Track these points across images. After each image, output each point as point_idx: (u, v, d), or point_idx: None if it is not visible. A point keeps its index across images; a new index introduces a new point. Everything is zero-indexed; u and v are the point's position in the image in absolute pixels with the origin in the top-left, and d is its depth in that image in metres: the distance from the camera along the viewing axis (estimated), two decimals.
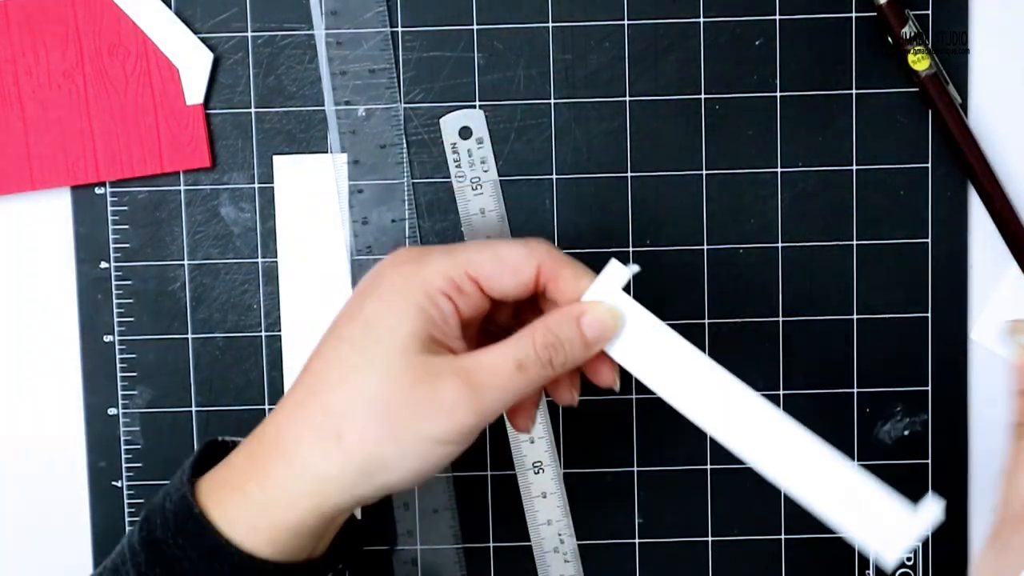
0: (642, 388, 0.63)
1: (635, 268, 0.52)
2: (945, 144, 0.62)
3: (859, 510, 0.50)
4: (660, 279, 0.63)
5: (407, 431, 0.49)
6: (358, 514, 0.63)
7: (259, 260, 0.63)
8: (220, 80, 0.63)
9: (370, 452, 0.49)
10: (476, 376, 0.49)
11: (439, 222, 0.63)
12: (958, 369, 0.64)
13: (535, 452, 0.63)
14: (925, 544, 0.64)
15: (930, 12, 0.62)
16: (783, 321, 0.63)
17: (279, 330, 0.63)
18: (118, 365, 0.63)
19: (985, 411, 0.64)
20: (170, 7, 0.62)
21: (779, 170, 0.63)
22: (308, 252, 0.63)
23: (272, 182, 0.63)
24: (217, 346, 0.63)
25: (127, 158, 0.62)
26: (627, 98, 0.63)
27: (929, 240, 0.63)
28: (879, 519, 0.50)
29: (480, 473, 0.64)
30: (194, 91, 0.62)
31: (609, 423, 0.64)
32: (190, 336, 0.63)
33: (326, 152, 0.63)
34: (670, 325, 0.63)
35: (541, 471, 0.63)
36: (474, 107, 0.63)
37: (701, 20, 0.63)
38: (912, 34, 0.61)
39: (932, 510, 0.49)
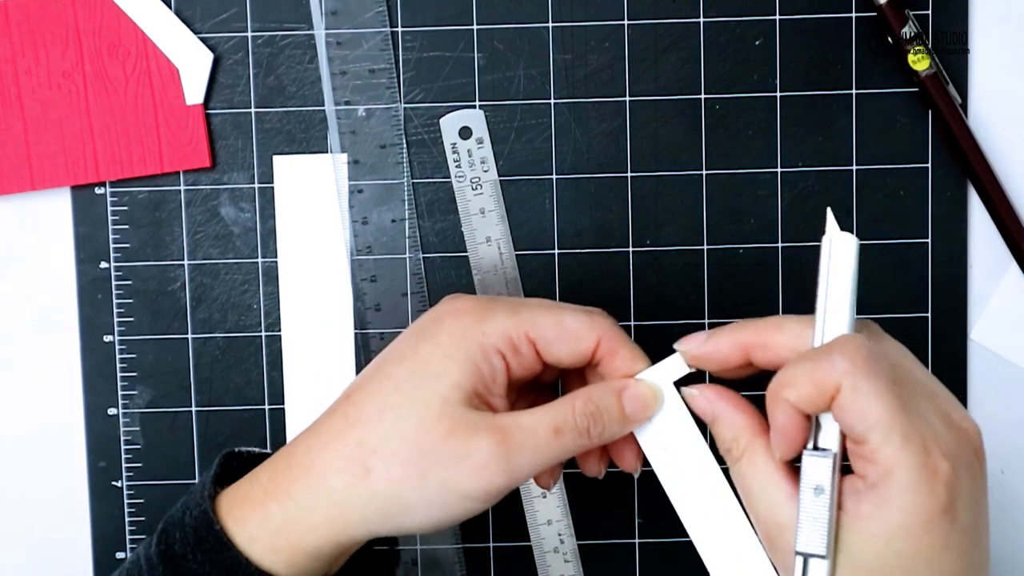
0: None
1: (688, 370, 0.51)
2: (945, 144, 0.62)
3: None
4: (660, 279, 0.63)
5: (434, 479, 0.49)
6: None
7: (259, 260, 0.63)
8: (220, 80, 0.63)
9: (394, 492, 0.49)
10: (512, 436, 0.49)
11: (439, 222, 0.63)
12: (958, 368, 0.64)
13: None
14: None
15: (930, 12, 0.62)
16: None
17: (279, 330, 0.63)
18: (118, 365, 0.63)
19: (985, 411, 0.64)
20: (170, 7, 0.62)
21: (779, 170, 0.63)
22: (308, 252, 0.63)
23: (272, 182, 0.63)
24: (217, 346, 0.63)
25: (127, 158, 0.62)
26: (627, 98, 0.63)
27: (929, 240, 0.63)
28: None
29: None
30: (194, 91, 0.62)
31: None
32: (190, 336, 0.63)
33: (326, 152, 0.63)
34: (670, 325, 0.63)
35: None
36: (474, 107, 0.63)
37: (701, 20, 0.63)
38: (912, 34, 0.61)
39: None
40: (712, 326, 0.63)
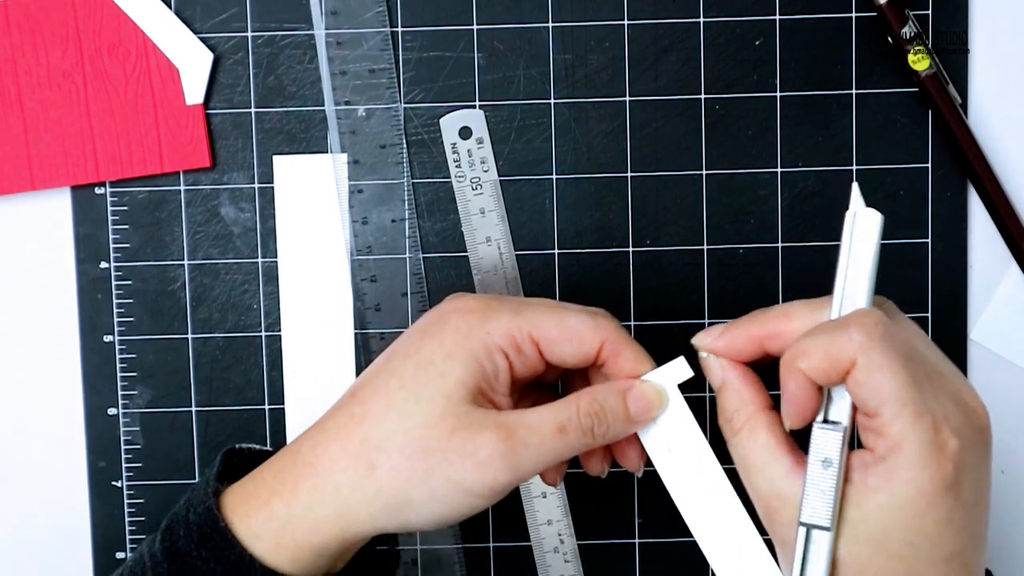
0: None
1: (691, 374, 0.52)
2: (945, 144, 0.62)
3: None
4: (660, 279, 0.63)
5: (438, 476, 0.49)
6: None
7: (259, 260, 0.63)
8: (220, 80, 0.63)
9: (399, 489, 0.49)
10: (516, 433, 0.49)
11: (439, 222, 0.63)
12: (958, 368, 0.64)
13: None
14: None
15: (930, 12, 0.62)
16: None
17: (279, 330, 0.63)
18: (118, 365, 0.63)
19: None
20: (170, 7, 0.62)
21: (779, 170, 0.63)
22: (308, 252, 0.63)
23: (272, 182, 0.63)
24: (217, 346, 0.63)
25: (127, 158, 0.62)
26: (627, 98, 0.63)
27: (929, 240, 0.63)
28: None
29: None
30: (194, 91, 0.62)
31: None
32: (190, 336, 0.63)
33: (326, 152, 0.63)
34: (670, 325, 0.63)
35: None
36: (474, 107, 0.63)
37: (701, 20, 0.63)
38: (912, 34, 0.61)
39: None
40: (712, 326, 0.63)
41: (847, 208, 0.48)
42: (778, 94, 0.63)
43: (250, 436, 0.64)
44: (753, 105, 0.63)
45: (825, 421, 0.47)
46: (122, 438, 0.64)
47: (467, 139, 0.62)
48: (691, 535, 0.65)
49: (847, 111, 0.63)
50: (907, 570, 0.46)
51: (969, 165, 0.62)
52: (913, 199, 0.63)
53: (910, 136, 0.63)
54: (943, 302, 0.63)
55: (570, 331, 0.51)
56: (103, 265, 0.63)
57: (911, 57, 0.61)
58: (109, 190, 0.63)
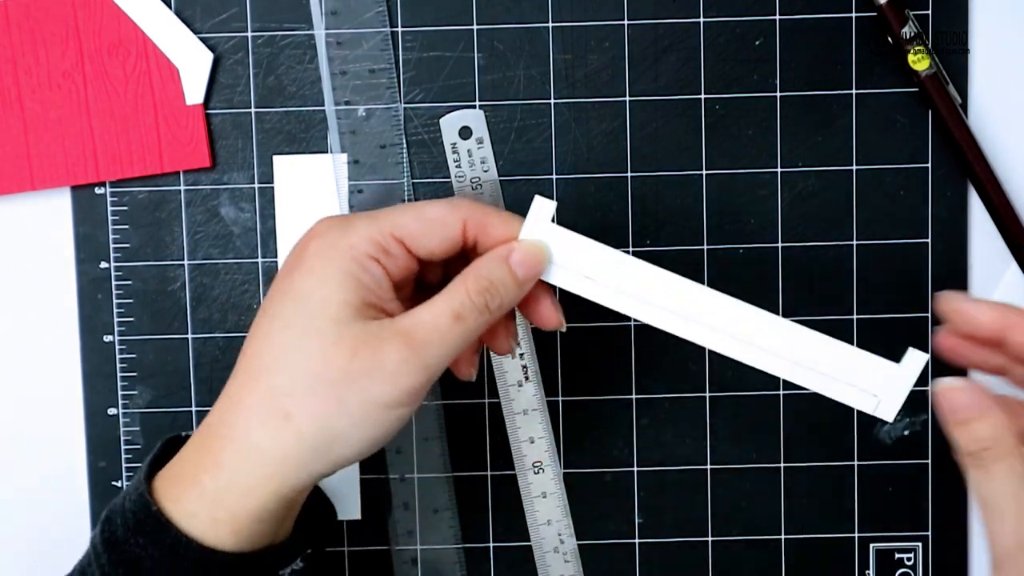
0: (643, 388, 0.63)
1: (554, 203, 0.52)
2: (945, 144, 0.62)
3: (846, 378, 0.51)
4: None
5: (354, 400, 0.49)
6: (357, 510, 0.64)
7: (259, 260, 0.63)
8: (220, 80, 0.63)
9: (320, 427, 0.49)
10: (416, 334, 0.49)
11: None
12: (958, 369, 0.63)
13: (535, 452, 0.63)
14: (925, 545, 0.64)
15: (930, 12, 0.62)
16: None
17: None
18: (118, 365, 0.63)
19: None
20: (170, 7, 0.62)
21: (779, 170, 0.63)
22: None
23: (272, 182, 0.63)
24: (217, 346, 0.63)
25: (127, 158, 0.62)
26: (627, 98, 0.63)
27: (929, 240, 0.63)
28: (869, 381, 0.51)
29: (480, 473, 0.64)
30: (194, 91, 0.62)
31: (609, 422, 0.64)
32: (190, 336, 0.63)
33: (326, 152, 0.63)
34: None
35: (541, 471, 0.63)
36: (474, 107, 0.63)
37: (701, 20, 0.63)
38: (912, 34, 0.61)
39: (917, 359, 0.50)
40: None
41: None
42: (778, 94, 0.63)
43: None
44: (753, 105, 0.63)
45: None
46: (122, 438, 0.64)
47: (467, 139, 0.62)
48: (691, 534, 0.65)
49: (847, 111, 0.63)
50: None
51: (969, 165, 0.62)
52: (913, 199, 0.63)
53: (910, 136, 0.63)
54: None
55: (429, 220, 0.51)
56: (103, 265, 0.63)
57: (911, 57, 0.61)
58: (109, 190, 0.63)
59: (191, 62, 0.62)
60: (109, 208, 0.63)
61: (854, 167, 0.63)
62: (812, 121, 0.63)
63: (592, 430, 0.64)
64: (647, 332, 0.63)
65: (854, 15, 0.62)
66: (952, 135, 0.62)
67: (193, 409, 0.63)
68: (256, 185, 0.63)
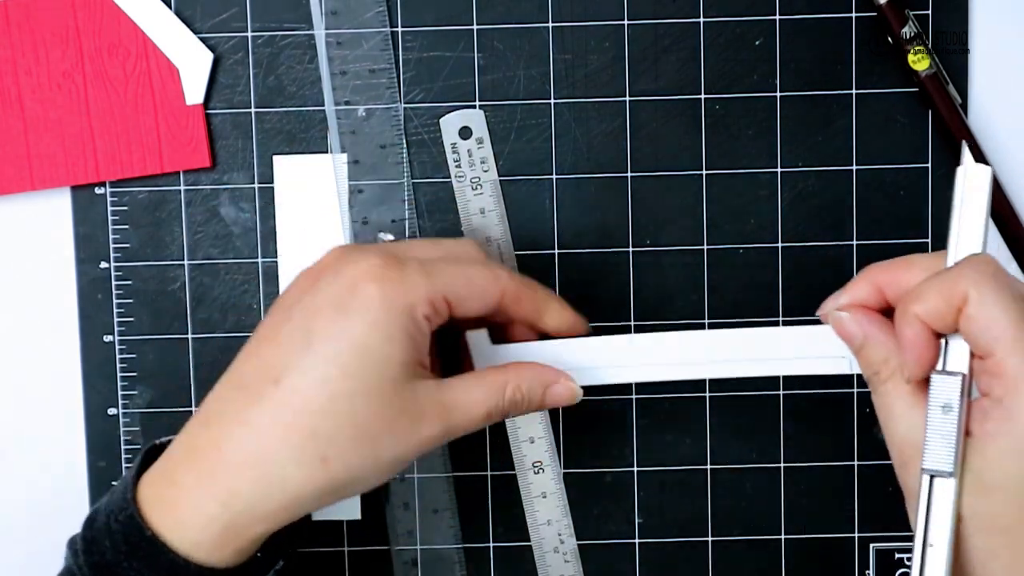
0: (642, 388, 0.63)
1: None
2: (945, 144, 0.62)
3: (811, 352, 0.53)
4: (660, 279, 0.63)
5: (386, 456, 0.51)
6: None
7: (259, 260, 0.63)
8: (220, 80, 0.63)
9: (351, 475, 0.50)
10: (452, 415, 0.52)
11: (439, 222, 0.63)
12: None
13: (535, 452, 0.63)
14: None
15: (930, 12, 0.62)
16: (783, 321, 0.63)
17: None
18: (118, 365, 0.63)
19: None
20: (170, 7, 0.62)
21: (779, 170, 0.63)
22: (308, 252, 0.63)
23: (272, 182, 0.63)
24: (217, 346, 0.63)
25: (127, 158, 0.62)
26: (627, 98, 0.63)
27: (929, 240, 0.63)
28: (832, 347, 0.52)
29: (480, 473, 0.64)
30: (194, 91, 0.62)
31: (609, 423, 0.64)
32: (190, 336, 0.63)
33: (326, 152, 0.63)
34: (670, 325, 0.63)
35: (541, 471, 0.63)
36: (474, 107, 0.63)
37: (701, 20, 0.63)
38: (912, 34, 0.61)
39: None
40: (712, 326, 0.63)
41: (959, 164, 0.50)
42: (778, 94, 0.63)
43: None
44: (753, 105, 0.63)
45: (944, 371, 0.47)
46: (122, 438, 0.64)
47: (467, 139, 0.62)
48: (691, 534, 0.65)
49: (847, 111, 0.63)
50: None
51: None
52: (913, 199, 0.63)
53: (910, 136, 0.63)
54: None
55: (475, 287, 0.53)
56: (103, 265, 0.63)
57: (911, 57, 0.61)
58: (109, 190, 0.63)
59: (191, 62, 0.62)
60: (109, 208, 0.63)
61: (854, 167, 0.63)
62: (812, 121, 0.63)
63: (592, 430, 0.64)
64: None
65: (854, 15, 0.62)
66: (952, 135, 0.62)
67: (193, 409, 0.63)
68: (256, 185, 0.63)
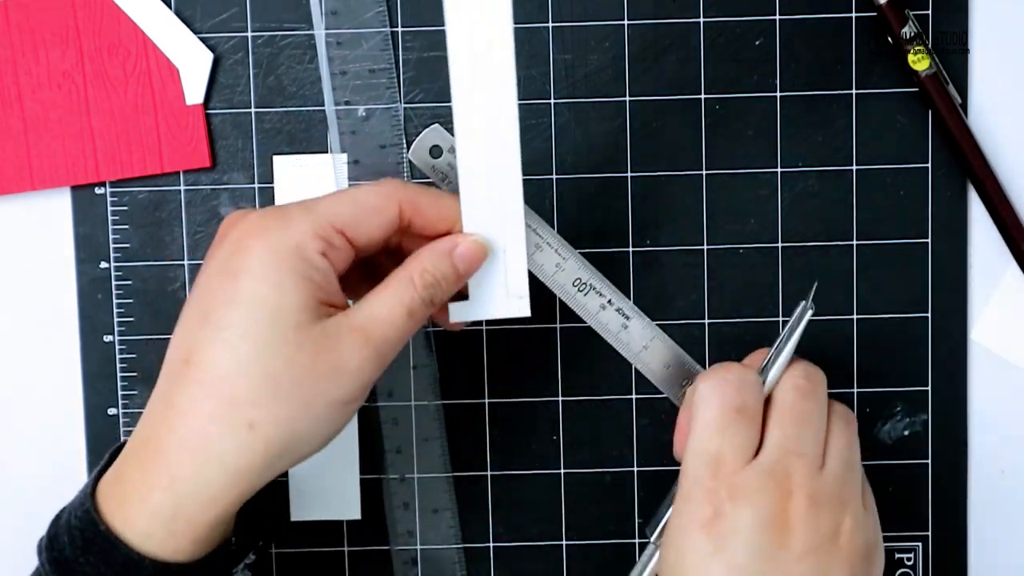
0: (642, 388, 0.63)
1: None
2: (945, 144, 0.62)
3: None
4: (660, 279, 0.63)
5: (319, 402, 0.49)
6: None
7: None
8: (220, 80, 0.63)
9: (286, 432, 0.49)
10: (372, 331, 0.50)
11: None
12: (958, 369, 0.64)
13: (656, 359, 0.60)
14: (925, 545, 0.64)
15: (930, 12, 0.62)
16: (783, 321, 0.63)
17: None
18: (118, 365, 0.63)
19: (985, 411, 0.64)
20: (170, 7, 0.62)
21: (779, 170, 0.63)
22: None
23: (272, 182, 0.63)
24: None
25: (127, 158, 0.62)
26: (627, 98, 0.63)
27: (929, 240, 0.63)
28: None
29: (480, 473, 0.64)
30: (194, 91, 0.62)
31: (609, 423, 0.64)
32: None
33: (326, 152, 0.63)
34: (670, 325, 0.63)
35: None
36: (429, 124, 0.62)
37: (701, 20, 0.63)
38: (912, 34, 0.61)
39: None
40: (712, 326, 0.63)
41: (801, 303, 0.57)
42: (778, 94, 0.63)
43: None
44: (753, 105, 0.63)
45: None
46: (122, 438, 0.63)
47: (439, 157, 0.61)
48: None
49: (847, 111, 0.63)
50: None
51: (969, 165, 0.62)
52: (913, 199, 0.63)
53: (910, 136, 0.63)
54: (943, 302, 0.63)
55: (366, 208, 0.51)
56: (103, 265, 0.63)
57: (911, 57, 0.61)
58: (109, 190, 0.63)
59: (191, 62, 0.62)
60: (109, 208, 0.63)
61: (854, 167, 0.63)
62: (812, 121, 0.63)
63: (592, 430, 0.64)
64: None
65: (854, 15, 0.62)
66: (952, 135, 0.62)
67: None
68: (256, 185, 0.63)
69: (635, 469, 0.64)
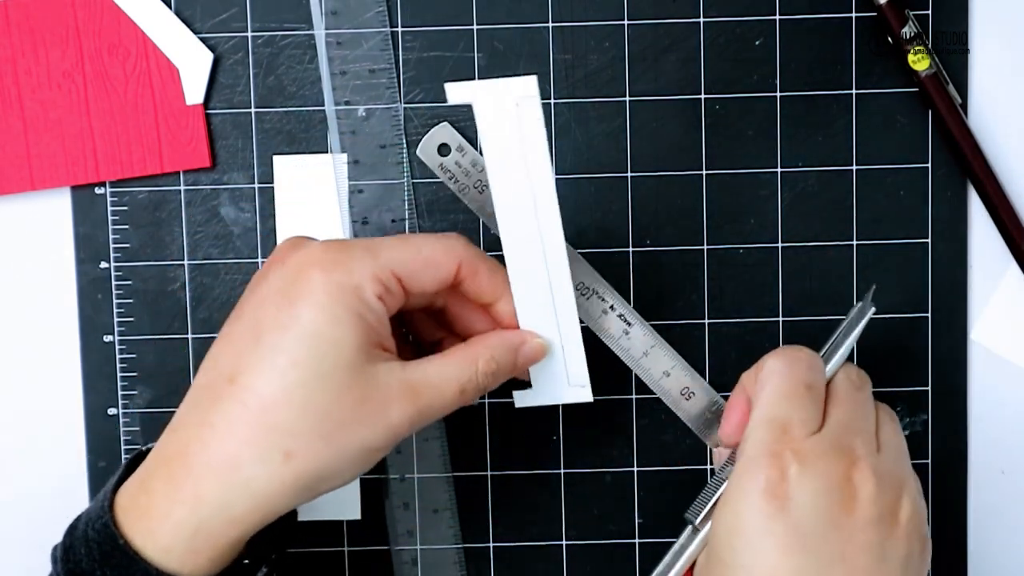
0: (642, 388, 0.63)
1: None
2: (945, 144, 0.62)
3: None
4: (660, 279, 0.63)
5: (353, 445, 0.49)
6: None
7: (259, 260, 0.63)
8: (220, 80, 0.63)
9: (318, 468, 0.49)
10: (422, 395, 0.50)
11: (439, 222, 0.63)
12: (958, 369, 0.64)
13: (676, 382, 0.59)
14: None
15: (930, 12, 0.62)
16: (783, 321, 0.63)
17: None
18: (118, 365, 0.63)
19: (985, 411, 0.64)
20: (170, 7, 0.62)
21: (779, 170, 0.63)
22: None
23: (272, 182, 0.63)
24: None
25: (127, 158, 0.62)
26: (627, 98, 0.63)
27: (929, 240, 0.63)
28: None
29: (480, 473, 0.64)
30: (194, 91, 0.62)
31: (609, 423, 0.64)
32: (190, 336, 0.63)
33: (326, 152, 0.63)
34: (670, 325, 0.63)
35: (692, 396, 0.59)
36: (436, 122, 0.62)
37: (701, 20, 0.63)
38: (912, 34, 0.61)
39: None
40: (712, 326, 0.63)
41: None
42: (778, 94, 0.63)
43: None
44: (753, 105, 0.63)
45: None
46: (122, 438, 0.64)
47: (447, 155, 0.61)
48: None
49: (847, 111, 0.63)
50: None
51: (969, 165, 0.62)
52: (913, 199, 0.63)
53: (910, 136, 0.63)
54: (943, 302, 0.63)
55: (426, 260, 0.51)
56: (103, 265, 0.63)
57: (911, 57, 0.61)
58: (109, 190, 0.63)
59: (191, 62, 0.62)
60: (109, 208, 0.63)
61: (854, 167, 0.63)
62: (812, 121, 0.63)
63: (592, 430, 0.64)
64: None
65: (854, 15, 0.62)
66: (952, 135, 0.62)
67: None
68: (256, 185, 0.63)
69: (635, 469, 0.64)
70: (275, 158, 0.63)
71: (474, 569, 0.64)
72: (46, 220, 0.63)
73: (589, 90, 0.63)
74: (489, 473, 0.64)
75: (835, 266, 0.63)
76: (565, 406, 0.63)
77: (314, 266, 0.50)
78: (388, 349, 0.51)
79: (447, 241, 0.52)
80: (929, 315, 0.63)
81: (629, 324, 0.58)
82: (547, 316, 0.54)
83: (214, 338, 0.63)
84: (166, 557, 0.49)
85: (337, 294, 0.49)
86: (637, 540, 0.64)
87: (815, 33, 0.63)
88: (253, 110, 0.63)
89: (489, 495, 0.64)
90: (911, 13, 0.61)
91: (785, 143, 0.63)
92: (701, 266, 0.63)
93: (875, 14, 0.62)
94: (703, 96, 0.63)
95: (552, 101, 0.63)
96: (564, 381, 0.56)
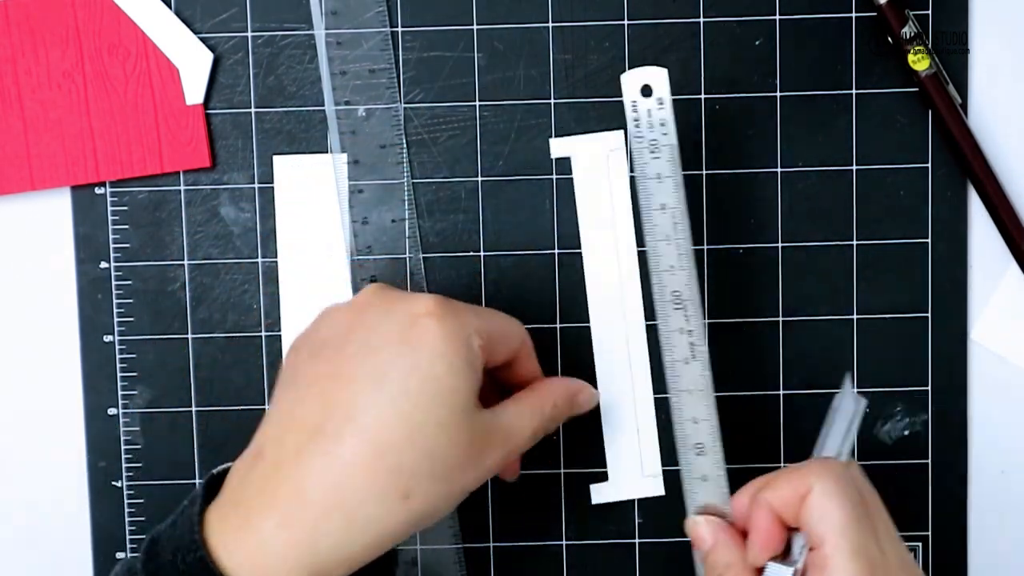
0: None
1: None
2: (945, 144, 0.62)
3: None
4: None
5: (458, 486, 0.52)
6: None
7: (259, 260, 0.63)
8: (220, 80, 0.63)
9: (431, 509, 0.51)
10: (511, 438, 0.54)
11: (439, 222, 0.63)
12: (958, 369, 0.64)
13: (698, 434, 0.58)
14: (925, 545, 0.64)
15: (930, 12, 0.62)
16: (783, 321, 0.63)
17: (279, 330, 0.63)
18: (118, 365, 0.63)
19: (985, 411, 0.64)
20: (170, 7, 0.62)
21: (779, 170, 0.63)
22: (308, 252, 0.63)
23: (272, 182, 0.63)
24: (217, 346, 0.63)
25: (127, 158, 0.62)
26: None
27: (929, 240, 0.63)
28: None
29: None
30: (194, 91, 0.62)
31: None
32: (190, 336, 0.63)
33: (326, 152, 0.63)
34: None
35: (703, 454, 0.58)
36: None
37: (701, 20, 0.63)
38: (912, 34, 0.61)
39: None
40: (712, 326, 0.63)
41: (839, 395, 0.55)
42: (778, 94, 0.63)
43: (250, 436, 0.63)
44: (753, 105, 0.63)
45: (778, 561, 0.52)
46: (122, 438, 0.64)
47: (648, 97, 0.57)
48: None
49: (847, 111, 0.63)
50: None
51: (969, 165, 0.62)
52: (913, 199, 0.63)
53: (910, 136, 0.63)
54: (943, 302, 0.63)
55: (507, 331, 0.56)
56: (103, 265, 0.63)
57: (911, 57, 0.61)
58: (109, 190, 0.63)
59: (191, 62, 0.62)
60: (109, 208, 0.63)
61: (854, 167, 0.63)
62: (812, 121, 0.63)
63: (592, 430, 0.64)
64: (647, 334, 0.63)
65: (854, 15, 0.62)
66: (952, 135, 0.62)
67: (193, 409, 0.63)
68: (256, 185, 0.63)
69: None
70: (275, 158, 0.63)
71: (474, 569, 0.64)
72: (46, 220, 0.63)
73: (589, 90, 0.63)
74: None
75: (835, 266, 0.63)
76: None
77: (431, 315, 0.52)
78: (481, 399, 0.53)
79: (516, 321, 0.57)
80: (929, 315, 0.63)
81: (694, 357, 0.57)
82: (626, 400, 0.59)
83: (214, 338, 0.63)
84: None
85: (454, 343, 0.51)
86: (637, 540, 0.64)
87: (815, 33, 0.63)
88: (253, 110, 0.63)
89: (489, 495, 0.64)
90: (911, 13, 0.61)
91: (785, 143, 0.63)
92: (701, 266, 0.63)
93: (875, 14, 0.62)
94: (703, 96, 0.63)
95: (552, 101, 0.63)
96: (639, 472, 0.62)
